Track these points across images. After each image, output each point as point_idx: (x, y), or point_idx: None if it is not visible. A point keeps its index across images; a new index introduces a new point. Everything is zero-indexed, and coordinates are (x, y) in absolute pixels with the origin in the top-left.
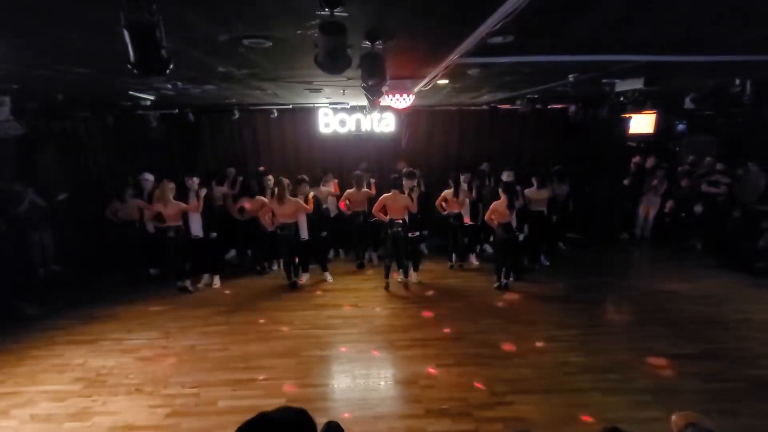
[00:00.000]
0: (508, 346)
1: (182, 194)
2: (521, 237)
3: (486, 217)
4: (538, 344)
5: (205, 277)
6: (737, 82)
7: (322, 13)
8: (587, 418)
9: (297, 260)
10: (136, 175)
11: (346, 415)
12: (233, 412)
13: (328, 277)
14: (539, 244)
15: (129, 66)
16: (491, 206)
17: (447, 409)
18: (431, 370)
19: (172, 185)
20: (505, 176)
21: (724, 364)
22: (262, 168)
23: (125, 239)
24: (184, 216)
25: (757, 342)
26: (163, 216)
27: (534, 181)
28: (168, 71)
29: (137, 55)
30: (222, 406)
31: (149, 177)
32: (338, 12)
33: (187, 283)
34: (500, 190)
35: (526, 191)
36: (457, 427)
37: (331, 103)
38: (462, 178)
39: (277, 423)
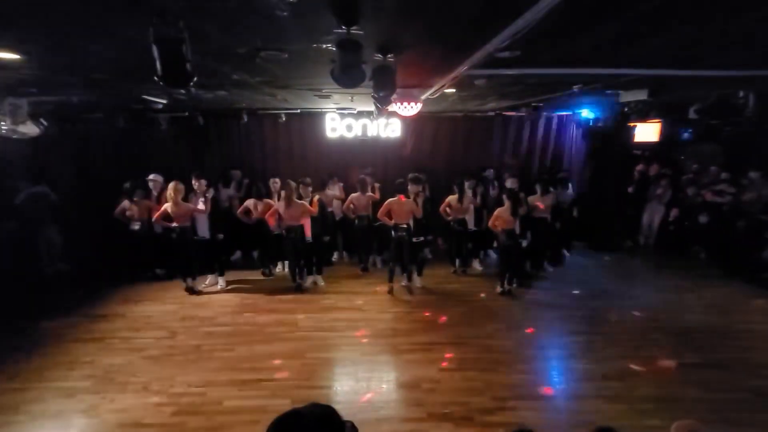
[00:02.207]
0: (510, 352)
1: (190, 196)
2: (524, 243)
3: (489, 224)
4: (540, 350)
5: (211, 277)
6: (740, 94)
7: (339, 31)
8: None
9: (302, 263)
10: (144, 176)
11: (350, 416)
12: (239, 412)
13: (320, 281)
14: (543, 251)
15: (156, 78)
16: (495, 212)
17: (449, 413)
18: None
19: (181, 186)
20: (509, 183)
21: (727, 374)
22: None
23: (133, 239)
24: (192, 217)
25: (760, 352)
26: (171, 217)
27: (537, 187)
28: (192, 84)
29: (164, 69)
30: (228, 405)
31: (158, 178)
32: (354, 30)
33: (194, 284)
34: (504, 197)
35: (530, 198)
36: (459, 431)
37: (338, 108)
38: (467, 184)
39: (308, 418)
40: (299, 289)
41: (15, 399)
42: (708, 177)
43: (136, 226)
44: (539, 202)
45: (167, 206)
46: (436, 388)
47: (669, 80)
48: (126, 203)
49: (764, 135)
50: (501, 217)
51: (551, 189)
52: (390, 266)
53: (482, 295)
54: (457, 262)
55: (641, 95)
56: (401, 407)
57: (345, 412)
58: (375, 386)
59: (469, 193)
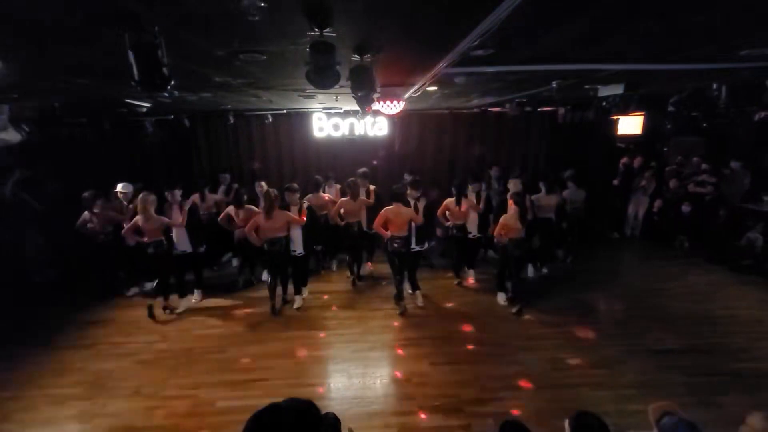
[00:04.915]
0: (498, 344)
1: (165, 207)
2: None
3: (495, 233)
4: (528, 341)
5: (197, 294)
6: (714, 86)
7: (312, 33)
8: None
9: (288, 278)
10: (116, 183)
11: (342, 412)
12: (231, 413)
13: (298, 301)
14: (548, 251)
15: (133, 83)
16: (501, 221)
17: (439, 405)
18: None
19: (152, 198)
20: (512, 185)
21: (709, 359)
22: (257, 165)
23: (102, 251)
24: (166, 230)
25: (741, 337)
26: (142, 231)
27: (542, 186)
28: (169, 88)
29: (141, 74)
30: (220, 406)
31: (127, 189)
32: (327, 32)
33: (167, 304)
34: (510, 202)
35: (534, 197)
36: (450, 422)
37: (324, 108)
38: (471, 187)
39: (286, 411)
40: (274, 312)
41: (5, 407)
42: (690, 168)
43: (131, 242)
44: (546, 200)
45: (137, 219)
46: (426, 382)
47: (643, 74)
48: (86, 215)
49: (744, 125)
50: (508, 225)
51: (557, 188)
52: (395, 280)
53: (473, 289)
54: (464, 269)
55: (618, 90)
56: (392, 401)
57: (337, 408)
58: (367, 382)
59: (472, 197)
